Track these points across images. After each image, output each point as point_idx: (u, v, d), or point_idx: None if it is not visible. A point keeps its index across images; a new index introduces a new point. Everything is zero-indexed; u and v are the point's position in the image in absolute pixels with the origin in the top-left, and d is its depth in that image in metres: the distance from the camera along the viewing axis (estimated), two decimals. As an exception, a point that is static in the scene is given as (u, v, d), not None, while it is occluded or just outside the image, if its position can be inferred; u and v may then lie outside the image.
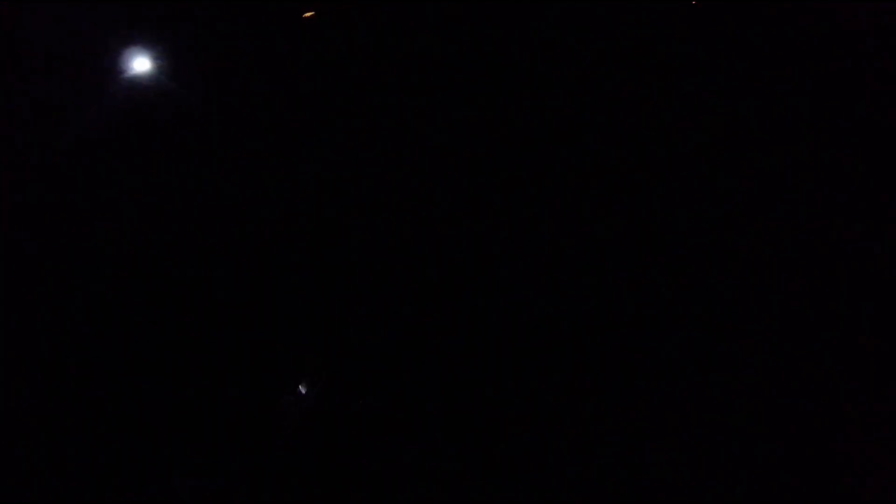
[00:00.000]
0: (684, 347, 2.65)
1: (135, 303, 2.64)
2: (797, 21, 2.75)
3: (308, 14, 2.68)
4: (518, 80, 2.79)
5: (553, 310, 2.70)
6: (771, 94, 2.76)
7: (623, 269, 2.71)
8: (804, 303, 2.65)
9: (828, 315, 2.63)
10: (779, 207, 2.72)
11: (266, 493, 2.52)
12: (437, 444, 2.58)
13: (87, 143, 2.65)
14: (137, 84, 2.68)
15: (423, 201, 2.76)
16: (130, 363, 2.60)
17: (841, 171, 2.70)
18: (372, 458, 2.57)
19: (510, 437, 2.58)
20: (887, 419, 2.52)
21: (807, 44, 2.75)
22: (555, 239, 2.73)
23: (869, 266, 2.64)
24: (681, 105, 2.78)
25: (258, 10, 2.74)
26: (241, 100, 2.74)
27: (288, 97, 2.76)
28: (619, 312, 2.69)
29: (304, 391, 2.59)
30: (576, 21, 2.78)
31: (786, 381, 2.60)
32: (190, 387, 2.60)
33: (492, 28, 2.78)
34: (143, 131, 2.69)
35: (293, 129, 2.77)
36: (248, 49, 2.74)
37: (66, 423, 2.52)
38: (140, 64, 2.68)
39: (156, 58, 2.69)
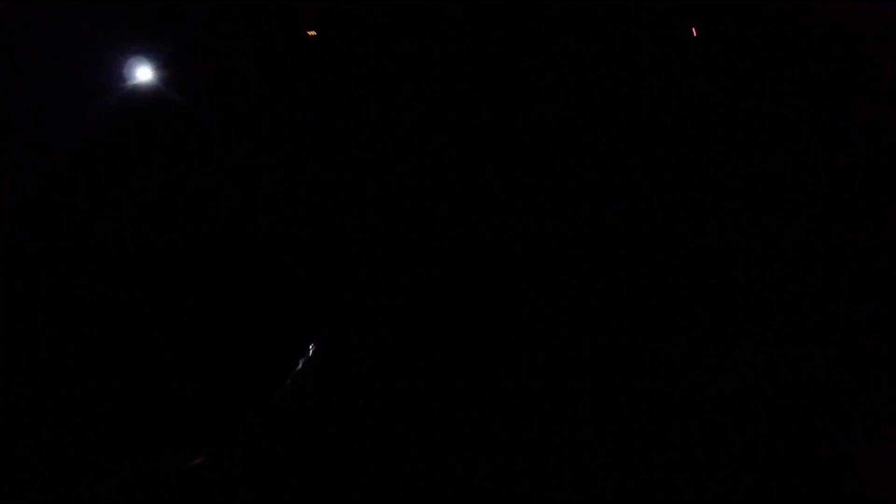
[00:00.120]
0: (684, 347, 2.66)
1: (129, 298, 2.64)
2: (797, 21, 2.75)
3: (311, 32, 2.69)
4: (518, 80, 2.79)
5: (553, 310, 2.70)
6: (771, 94, 2.76)
7: (623, 268, 2.71)
8: (804, 303, 2.66)
9: (828, 315, 2.64)
10: (778, 207, 2.73)
11: (266, 492, 2.52)
12: (437, 444, 2.58)
13: (88, 143, 2.64)
14: (137, 85, 2.67)
15: (422, 201, 2.76)
16: (130, 363, 2.60)
17: (841, 171, 2.70)
18: (372, 458, 2.56)
19: (510, 436, 2.58)
20: (887, 419, 2.52)
21: (807, 44, 2.75)
22: (555, 239, 2.73)
23: (869, 266, 2.64)
24: (681, 105, 2.78)
25: (259, 11, 2.74)
26: (241, 100, 2.74)
27: (288, 97, 2.76)
28: (620, 312, 2.69)
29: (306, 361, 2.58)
30: (575, 21, 2.78)
31: (786, 381, 2.60)
32: (189, 386, 2.61)
33: (492, 28, 2.78)
34: (143, 132, 2.69)
35: (293, 130, 2.77)
36: (250, 49, 2.73)
37: (63, 417, 2.52)
38: (140, 65, 2.67)
39: (156, 59, 2.68)
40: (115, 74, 2.67)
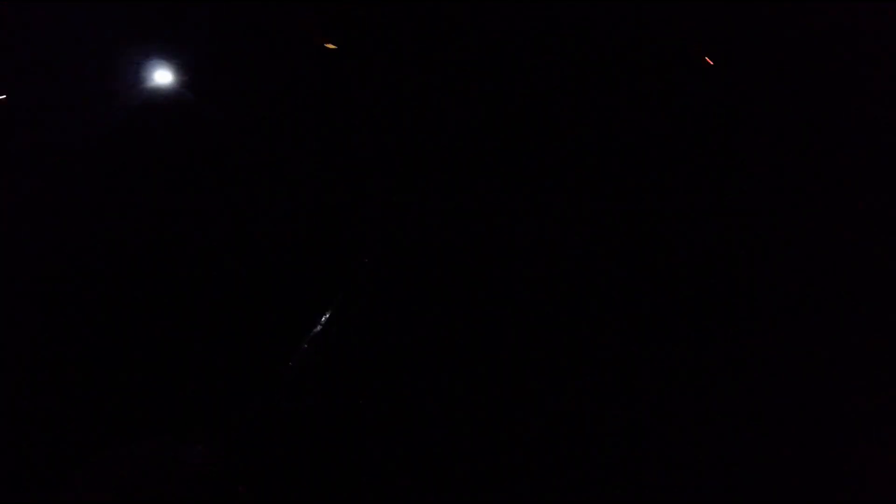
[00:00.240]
0: (684, 347, 2.66)
1: (130, 297, 2.64)
2: (797, 21, 2.75)
3: (330, 46, 2.69)
4: (518, 79, 2.79)
5: (553, 310, 2.70)
6: (771, 94, 2.76)
7: (623, 268, 2.72)
8: (804, 303, 2.66)
9: (828, 315, 2.64)
10: (779, 207, 2.73)
11: (266, 492, 2.52)
12: (436, 444, 2.58)
13: (88, 144, 2.65)
14: (141, 87, 2.68)
15: (422, 201, 2.77)
16: (129, 363, 2.60)
17: (841, 171, 2.70)
18: (372, 458, 2.57)
19: (510, 437, 2.58)
20: (887, 419, 2.52)
21: (807, 44, 2.75)
22: (554, 239, 2.73)
23: (869, 266, 2.64)
24: (681, 105, 2.78)
25: (259, 11, 2.74)
26: (242, 100, 2.74)
27: (290, 98, 2.76)
28: (619, 312, 2.70)
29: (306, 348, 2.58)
30: (576, 21, 2.78)
31: (786, 381, 2.60)
32: (189, 386, 2.61)
33: (492, 28, 2.79)
34: (144, 133, 2.69)
35: (294, 131, 2.77)
36: (252, 50, 2.74)
37: (61, 415, 2.52)
38: (145, 66, 2.68)
39: (161, 60, 2.69)
40: (124, 75, 2.67)
